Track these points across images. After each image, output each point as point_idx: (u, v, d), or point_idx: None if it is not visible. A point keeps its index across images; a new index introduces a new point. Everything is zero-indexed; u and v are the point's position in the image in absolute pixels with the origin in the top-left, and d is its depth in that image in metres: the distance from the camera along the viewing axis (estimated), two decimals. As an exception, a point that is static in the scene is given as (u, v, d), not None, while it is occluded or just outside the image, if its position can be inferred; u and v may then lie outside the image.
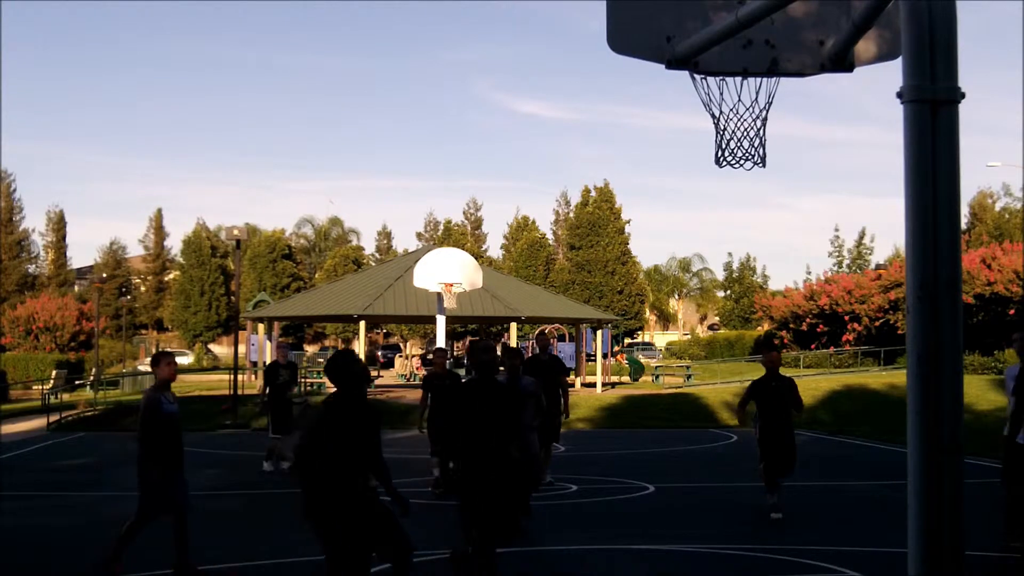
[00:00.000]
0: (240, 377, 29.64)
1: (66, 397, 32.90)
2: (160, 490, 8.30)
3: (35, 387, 41.32)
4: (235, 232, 27.21)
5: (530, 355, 13.94)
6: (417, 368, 46.92)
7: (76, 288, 78.56)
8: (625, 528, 10.86)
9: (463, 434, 7.25)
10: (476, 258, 32.62)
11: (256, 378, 39.98)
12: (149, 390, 8.68)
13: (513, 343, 39.27)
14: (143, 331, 78.52)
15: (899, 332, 40.23)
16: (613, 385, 39.65)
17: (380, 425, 6.34)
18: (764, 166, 5.89)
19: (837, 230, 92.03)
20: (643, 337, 79.06)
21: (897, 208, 3.89)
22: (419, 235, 78.07)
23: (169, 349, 63.40)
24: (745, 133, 5.89)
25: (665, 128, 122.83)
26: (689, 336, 78.17)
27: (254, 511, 12.37)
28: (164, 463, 8.30)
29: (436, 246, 49.43)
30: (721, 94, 5.83)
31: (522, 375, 10.20)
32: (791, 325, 48.69)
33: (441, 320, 24.56)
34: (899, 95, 3.92)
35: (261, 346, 41.23)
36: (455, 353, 61.77)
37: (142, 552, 9.74)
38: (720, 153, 5.89)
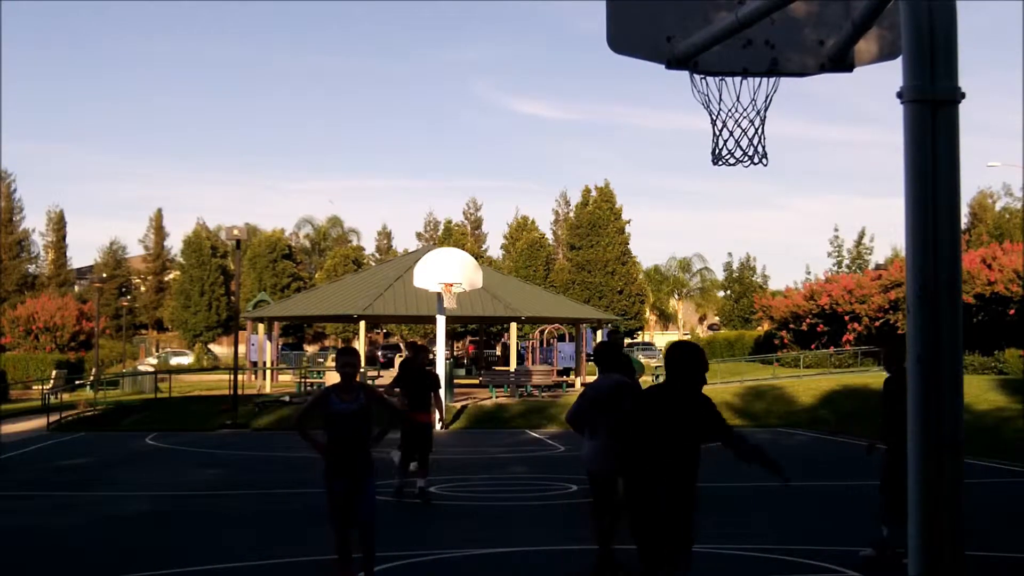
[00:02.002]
0: (240, 377, 29.64)
1: (66, 397, 32.88)
2: (331, 495, 7.68)
3: (35, 387, 41.31)
4: (235, 232, 27.21)
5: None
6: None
7: (76, 288, 78.58)
8: (625, 528, 10.85)
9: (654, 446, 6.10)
10: (476, 258, 32.64)
11: (256, 378, 40.01)
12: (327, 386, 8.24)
13: (513, 343, 39.31)
14: (143, 331, 78.55)
15: (899, 332, 40.22)
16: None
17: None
18: (766, 164, 5.88)
19: (837, 230, 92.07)
20: (643, 337, 79.06)
21: (897, 208, 3.89)
22: (419, 235, 78.15)
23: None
24: (744, 132, 5.88)
25: (665, 128, 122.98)
26: (689, 336, 78.16)
27: (255, 511, 12.37)
28: (333, 467, 7.68)
29: (436, 246, 49.43)
30: (720, 94, 5.83)
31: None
32: (791, 325, 48.65)
33: (441, 320, 24.59)
34: (899, 95, 3.92)
35: (261, 346, 41.22)
36: (455, 352, 61.72)
37: (149, 553, 9.74)
38: (717, 152, 5.88)
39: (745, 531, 10.63)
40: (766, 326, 58.79)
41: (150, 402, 30.49)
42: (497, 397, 31.11)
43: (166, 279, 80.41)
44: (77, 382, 40.32)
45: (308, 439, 7.87)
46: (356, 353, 7.99)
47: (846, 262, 55.81)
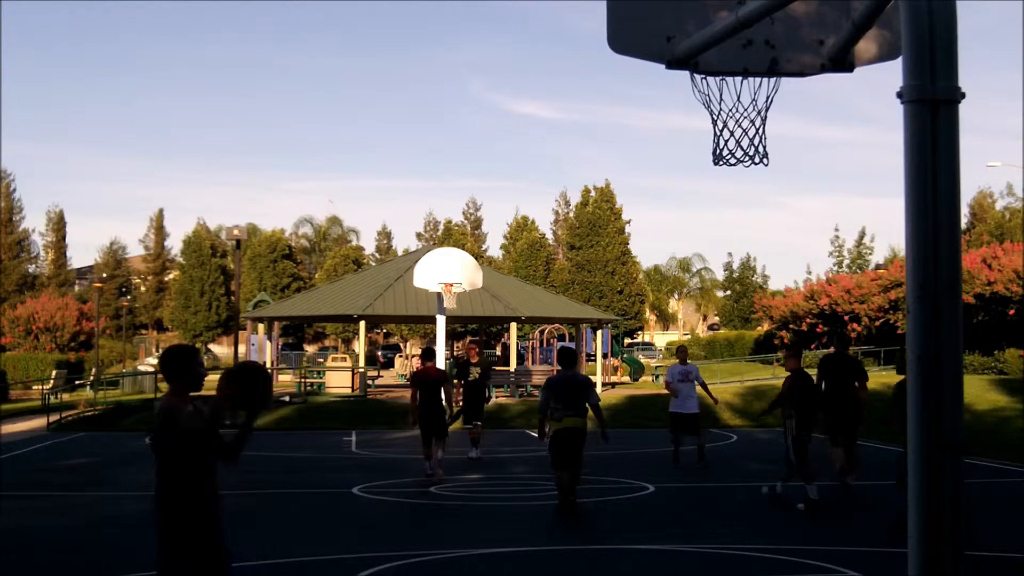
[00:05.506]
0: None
1: (66, 397, 32.88)
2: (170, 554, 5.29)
3: (35, 387, 41.30)
4: (235, 232, 27.22)
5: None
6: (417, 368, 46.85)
7: (76, 288, 78.60)
8: (625, 528, 10.86)
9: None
10: (476, 258, 32.62)
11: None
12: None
13: (513, 343, 39.34)
14: (143, 331, 78.57)
15: (899, 332, 40.21)
16: (613, 385, 39.64)
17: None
18: (767, 164, 5.88)
19: (837, 230, 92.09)
20: (643, 337, 79.05)
21: (897, 208, 3.89)
22: (419, 235, 78.15)
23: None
24: (744, 132, 5.88)
25: (665, 128, 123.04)
26: (689, 336, 78.17)
27: (254, 511, 12.36)
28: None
29: (436, 246, 49.41)
30: (720, 94, 5.82)
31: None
32: (791, 325, 48.67)
33: (441, 320, 24.56)
34: (899, 95, 3.92)
35: (261, 346, 41.23)
36: (455, 352, 61.62)
37: (149, 553, 9.73)
38: (718, 152, 5.88)
39: (746, 531, 10.63)
40: (766, 326, 58.81)
41: (150, 402, 30.47)
42: (497, 397, 31.10)
43: (166, 279, 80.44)
44: (77, 382, 40.30)
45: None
46: (189, 351, 5.55)
47: (846, 262, 55.83)
